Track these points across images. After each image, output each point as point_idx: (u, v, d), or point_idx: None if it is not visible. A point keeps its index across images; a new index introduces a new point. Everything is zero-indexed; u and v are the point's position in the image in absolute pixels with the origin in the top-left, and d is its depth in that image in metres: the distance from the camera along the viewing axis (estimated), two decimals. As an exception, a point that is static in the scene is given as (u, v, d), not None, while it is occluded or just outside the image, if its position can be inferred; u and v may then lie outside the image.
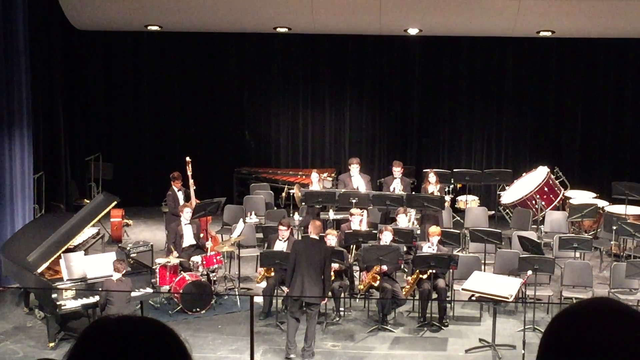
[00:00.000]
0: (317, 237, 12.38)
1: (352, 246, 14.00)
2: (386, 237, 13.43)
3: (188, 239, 14.48)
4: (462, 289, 12.70)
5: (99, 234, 15.55)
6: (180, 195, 15.61)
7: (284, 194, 17.84)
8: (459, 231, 15.16)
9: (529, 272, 12.72)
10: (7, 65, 14.64)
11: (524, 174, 17.94)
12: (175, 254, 14.01)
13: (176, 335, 1.84)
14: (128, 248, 14.62)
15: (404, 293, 13.38)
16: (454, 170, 18.11)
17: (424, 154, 20.30)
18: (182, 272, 13.89)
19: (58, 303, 12.12)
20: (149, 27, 19.17)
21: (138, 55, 20.33)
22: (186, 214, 14.45)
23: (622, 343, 1.62)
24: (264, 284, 13.73)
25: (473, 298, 12.84)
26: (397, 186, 16.23)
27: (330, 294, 13.33)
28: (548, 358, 1.70)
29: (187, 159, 15.83)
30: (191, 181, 15.68)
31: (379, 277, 13.14)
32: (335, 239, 13.46)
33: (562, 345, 1.67)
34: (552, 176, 17.49)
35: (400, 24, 18.61)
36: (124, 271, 12.20)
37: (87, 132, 20.12)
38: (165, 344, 1.80)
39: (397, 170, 16.39)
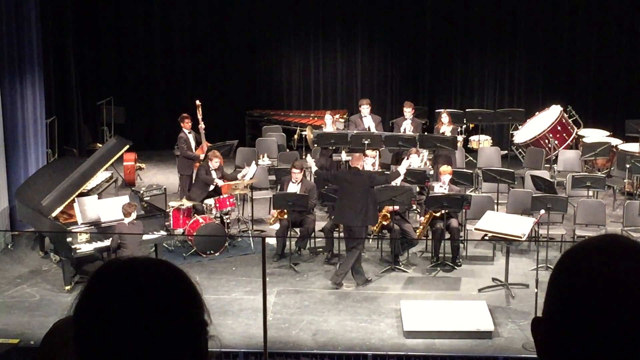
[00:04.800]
0: (358, 167, 12.89)
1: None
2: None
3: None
4: (475, 229, 12.73)
5: (112, 177, 15.59)
6: (192, 138, 15.51)
7: (296, 136, 17.77)
8: (471, 171, 15.15)
9: (542, 211, 12.72)
10: (17, 9, 14.55)
11: (537, 113, 17.82)
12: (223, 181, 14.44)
13: (186, 276, 1.84)
14: (141, 191, 14.67)
15: (417, 233, 13.40)
16: (467, 110, 18.02)
17: (437, 94, 20.15)
18: (195, 214, 13.95)
19: (73, 247, 12.22)
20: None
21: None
22: (215, 163, 14.42)
23: (631, 278, 1.62)
24: (276, 226, 13.79)
25: (486, 238, 12.89)
26: (407, 127, 16.17)
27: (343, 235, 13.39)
28: (557, 294, 1.70)
29: (197, 102, 15.74)
30: (201, 124, 15.61)
31: (389, 217, 13.15)
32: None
33: (570, 281, 1.67)
34: (565, 115, 17.37)
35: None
36: (134, 213, 12.27)
37: (99, 75, 20.03)
38: (176, 285, 1.80)
39: (407, 111, 16.32)
